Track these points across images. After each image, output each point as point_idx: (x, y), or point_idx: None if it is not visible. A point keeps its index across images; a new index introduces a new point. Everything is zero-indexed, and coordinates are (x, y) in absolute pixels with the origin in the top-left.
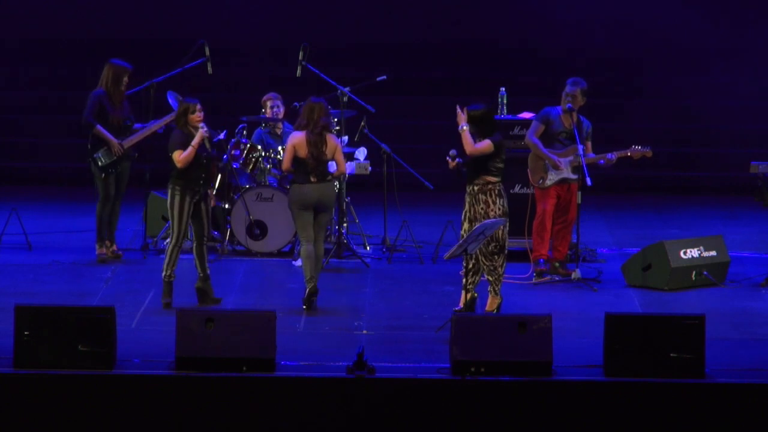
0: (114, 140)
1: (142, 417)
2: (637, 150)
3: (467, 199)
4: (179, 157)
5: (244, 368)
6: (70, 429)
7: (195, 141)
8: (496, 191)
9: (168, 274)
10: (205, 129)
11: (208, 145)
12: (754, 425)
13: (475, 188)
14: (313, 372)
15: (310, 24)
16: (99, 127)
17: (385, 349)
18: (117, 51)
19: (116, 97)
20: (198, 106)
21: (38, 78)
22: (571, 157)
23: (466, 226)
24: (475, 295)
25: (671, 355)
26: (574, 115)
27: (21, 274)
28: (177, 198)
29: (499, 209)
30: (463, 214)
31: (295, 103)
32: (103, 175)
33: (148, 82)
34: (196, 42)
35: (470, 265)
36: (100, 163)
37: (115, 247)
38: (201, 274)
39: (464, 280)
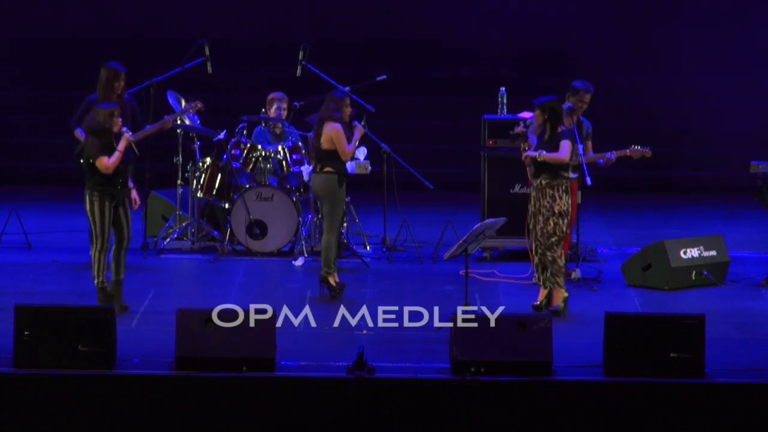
0: None
1: (142, 417)
2: (636, 150)
3: (533, 193)
4: (107, 163)
5: (244, 368)
6: (70, 429)
7: (121, 146)
8: (564, 187)
9: (101, 280)
10: (130, 133)
11: (136, 150)
12: (754, 425)
13: (543, 182)
14: (313, 372)
15: (309, 23)
16: (78, 131)
17: (385, 349)
18: (118, 50)
19: (110, 100)
20: (117, 111)
21: (38, 77)
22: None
23: (530, 222)
24: (546, 290)
25: (671, 355)
26: (575, 115)
27: (21, 274)
28: (96, 203)
29: (565, 204)
30: (530, 209)
31: (296, 103)
32: None
33: (148, 82)
34: (196, 41)
35: (536, 261)
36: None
37: None
38: (114, 278)
39: (537, 276)
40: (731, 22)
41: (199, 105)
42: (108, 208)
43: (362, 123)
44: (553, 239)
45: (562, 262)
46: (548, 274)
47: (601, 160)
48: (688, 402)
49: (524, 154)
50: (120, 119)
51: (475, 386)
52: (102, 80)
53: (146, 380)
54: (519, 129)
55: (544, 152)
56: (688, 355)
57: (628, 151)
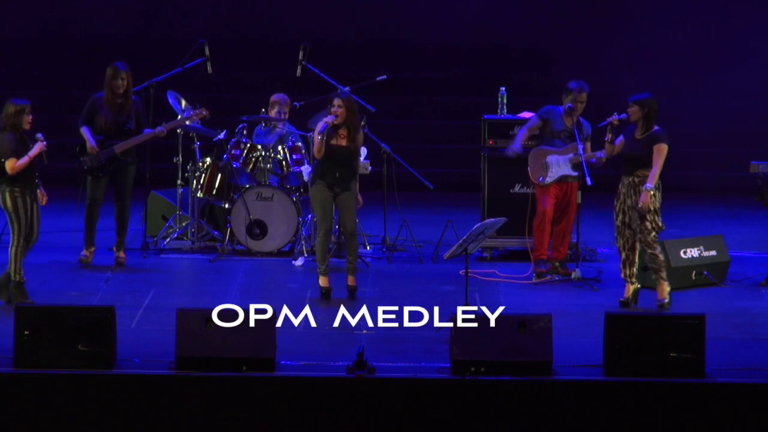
0: (90, 142)
1: (142, 417)
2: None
3: (622, 189)
4: (14, 165)
5: (244, 368)
6: (70, 429)
7: (33, 152)
8: (656, 184)
9: (21, 275)
10: (45, 143)
11: (45, 159)
12: (754, 425)
13: (636, 180)
14: (313, 372)
15: (309, 23)
16: (83, 129)
17: (385, 349)
18: (120, 50)
19: (109, 99)
20: (29, 108)
21: (40, 77)
22: (570, 155)
23: (620, 218)
24: (639, 286)
25: (671, 354)
26: (575, 115)
27: None
28: (19, 200)
29: (658, 201)
30: (618, 205)
31: (296, 103)
32: (90, 177)
33: (149, 82)
34: (197, 41)
35: (624, 257)
36: (85, 166)
37: (122, 254)
38: (8, 271)
39: (624, 273)
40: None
41: (204, 113)
42: (29, 204)
43: (362, 123)
44: (651, 235)
45: (662, 256)
46: (632, 271)
47: (593, 160)
48: (688, 402)
49: (607, 145)
50: (31, 116)
51: (475, 386)
52: (105, 79)
53: (146, 380)
54: (614, 119)
55: (650, 186)
56: (688, 354)
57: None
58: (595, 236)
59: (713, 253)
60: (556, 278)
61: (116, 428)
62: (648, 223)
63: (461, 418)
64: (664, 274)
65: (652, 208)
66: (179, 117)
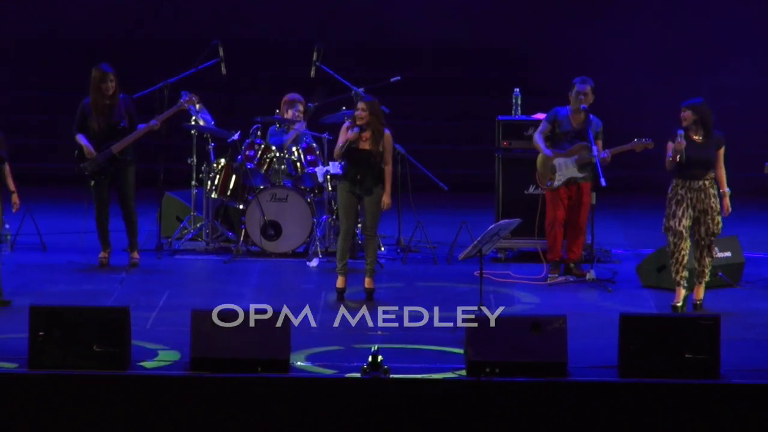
0: (88, 147)
1: (157, 418)
2: (638, 143)
3: (688, 195)
4: None
5: (259, 369)
6: (84, 430)
7: None
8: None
9: None
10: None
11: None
12: None
13: (706, 183)
14: (328, 373)
15: (323, 24)
16: (78, 137)
17: (399, 350)
18: (133, 50)
19: (98, 101)
20: None
21: (52, 77)
22: (576, 156)
23: (686, 222)
24: (686, 292)
25: (686, 355)
26: (585, 114)
27: (36, 275)
28: None
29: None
30: (680, 209)
31: (309, 104)
32: (93, 182)
33: (163, 83)
34: (210, 42)
35: (686, 260)
36: (86, 172)
37: (135, 255)
38: None
39: (675, 276)
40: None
41: (194, 98)
42: None
43: None
44: (715, 237)
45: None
46: (705, 272)
47: (597, 160)
48: (703, 403)
49: (668, 162)
50: None
51: (489, 387)
52: (91, 82)
53: (161, 381)
54: (679, 141)
55: (729, 189)
56: (703, 355)
57: (630, 145)
58: (610, 237)
59: (728, 254)
60: (571, 279)
61: (130, 429)
62: (717, 225)
63: (476, 419)
64: (705, 279)
65: (720, 210)
66: (171, 108)
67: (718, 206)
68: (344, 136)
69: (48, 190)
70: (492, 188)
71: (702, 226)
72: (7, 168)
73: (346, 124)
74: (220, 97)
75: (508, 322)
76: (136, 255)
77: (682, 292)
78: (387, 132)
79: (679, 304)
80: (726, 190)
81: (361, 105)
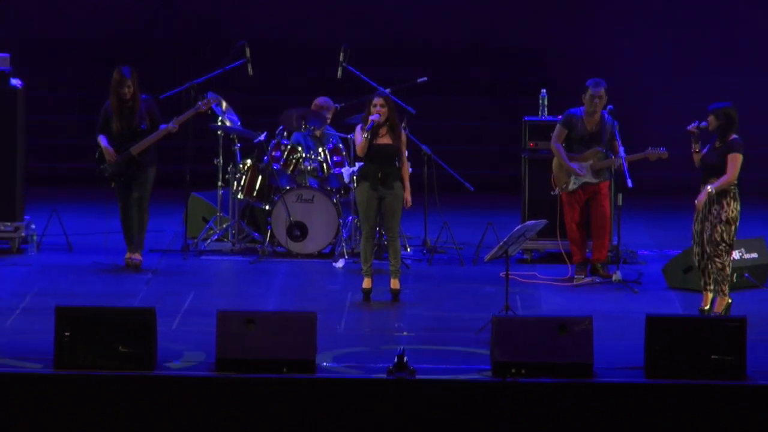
0: (108, 149)
1: (182, 419)
2: (652, 152)
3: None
4: None
5: (285, 370)
6: (110, 430)
7: None
8: (732, 194)
9: None
10: None
11: None
12: None
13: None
14: (354, 374)
15: (349, 25)
16: (100, 138)
17: (425, 351)
18: (160, 51)
19: (117, 103)
20: None
21: (79, 80)
22: (591, 161)
23: (696, 226)
24: (713, 296)
25: (712, 357)
26: (596, 114)
27: (62, 275)
28: None
29: (733, 211)
30: (695, 214)
31: (337, 105)
32: (113, 184)
33: (189, 83)
34: (237, 43)
35: (701, 265)
36: (106, 174)
37: (137, 256)
38: None
39: (700, 281)
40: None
41: (212, 100)
42: None
43: (403, 125)
44: (721, 246)
45: (729, 269)
46: (712, 280)
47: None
48: (730, 404)
49: (695, 155)
50: None
51: (515, 388)
52: (111, 84)
53: (187, 381)
54: (693, 127)
55: (713, 187)
56: (729, 357)
57: (644, 153)
58: (636, 238)
59: (754, 255)
60: (597, 280)
61: (155, 430)
62: (718, 233)
63: (502, 420)
64: (726, 288)
65: (724, 218)
66: (189, 110)
67: (725, 215)
68: (360, 135)
69: (73, 190)
70: (518, 189)
71: (706, 233)
72: None
73: (359, 125)
74: (246, 98)
75: (535, 323)
76: (137, 256)
77: (709, 296)
78: (402, 131)
79: (706, 308)
80: (710, 187)
81: (378, 100)
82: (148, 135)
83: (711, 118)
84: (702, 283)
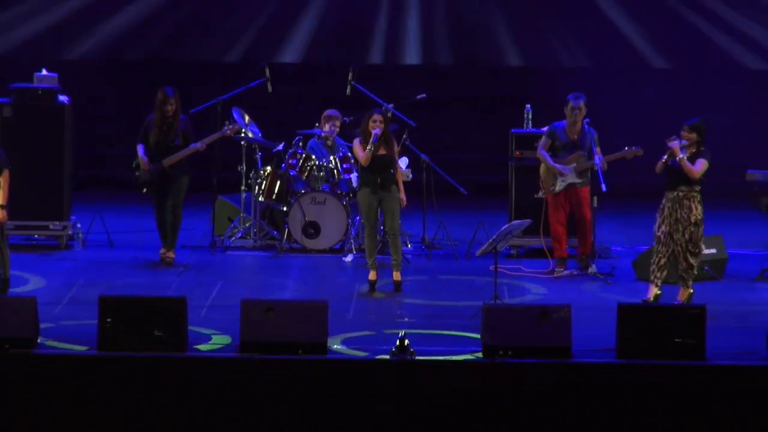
0: (143, 159)
1: (211, 394)
2: (628, 151)
3: (667, 204)
4: None
5: (300, 351)
6: (147, 404)
7: None
8: (698, 198)
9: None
10: None
11: None
12: (749, 403)
13: (680, 194)
14: (360, 355)
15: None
16: (138, 147)
17: (424, 335)
18: (192, 71)
19: (160, 118)
20: None
21: (124, 94)
22: (574, 164)
23: (664, 228)
24: (660, 292)
25: (676, 340)
26: (581, 126)
27: (104, 269)
28: None
29: (700, 215)
30: (661, 218)
31: (345, 118)
32: (144, 189)
33: (215, 100)
34: (258, 64)
35: (662, 262)
36: (140, 180)
37: (171, 254)
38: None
39: (651, 276)
40: None
41: (237, 127)
42: None
43: (404, 136)
44: (690, 246)
45: (696, 266)
46: (662, 276)
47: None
48: (691, 382)
49: (660, 164)
50: None
51: (503, 367)
52: (156, 102)
53: (214, 362)
54: (675, 147)
55: (684, 157)
56: (690, 340)
57: (620, 153)
58: (610, 236)
59: (713, 250)
60: (575, 273)
61: (187, 405)
62: (688, 235)
63: (491, 396)
64: (690, 282)
65: (693, 221)
66: (215, 133)
67: (693, 218)
68: (360, 148)
69: (114, 194)
70: (506, 193)
71: (677, 234)
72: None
73: (357, 139)
74: (266, 113)
75: (520, 311)
76: (171, 254)
77: (653, 290)
78: (394, 141)
79: (651, 299)
80: (674, 144)
81: (378, 117)
82: (179, 150)
83: (693, 135)
84: (652, 277)
